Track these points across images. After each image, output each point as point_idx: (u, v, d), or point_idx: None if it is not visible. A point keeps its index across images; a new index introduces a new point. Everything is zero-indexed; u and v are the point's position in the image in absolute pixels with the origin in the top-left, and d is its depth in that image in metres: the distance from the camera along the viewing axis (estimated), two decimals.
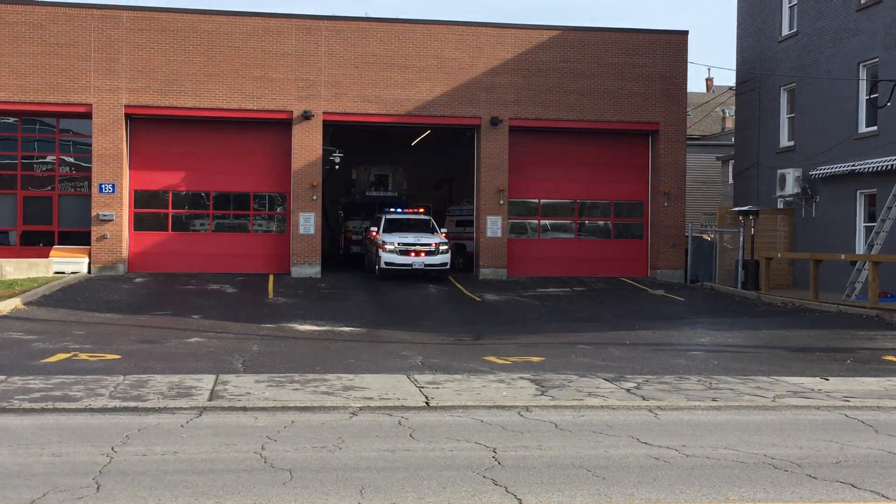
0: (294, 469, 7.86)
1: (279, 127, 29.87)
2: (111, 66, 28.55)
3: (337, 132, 33.42)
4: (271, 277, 28.30)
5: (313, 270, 29.48)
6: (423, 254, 27.97)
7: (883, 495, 7.23)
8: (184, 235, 30.02)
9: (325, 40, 29.61)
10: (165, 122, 29.53)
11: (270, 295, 25.10)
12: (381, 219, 30.06)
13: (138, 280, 27.23)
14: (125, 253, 28.99)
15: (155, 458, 8.21)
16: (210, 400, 10.92)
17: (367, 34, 29.95)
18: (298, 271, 29.38)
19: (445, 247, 28.59)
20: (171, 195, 29.89)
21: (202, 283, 26.68)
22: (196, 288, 25.91)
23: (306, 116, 29.38)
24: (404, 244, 28.03)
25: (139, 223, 29.62)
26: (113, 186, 28.68)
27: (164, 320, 20.15)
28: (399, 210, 31.24)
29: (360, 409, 10.65)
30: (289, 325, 19.81)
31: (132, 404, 10.58)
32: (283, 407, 10.64)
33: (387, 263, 27.84)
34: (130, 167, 29.35)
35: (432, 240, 28.60)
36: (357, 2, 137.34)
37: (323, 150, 30.27)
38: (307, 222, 29.60)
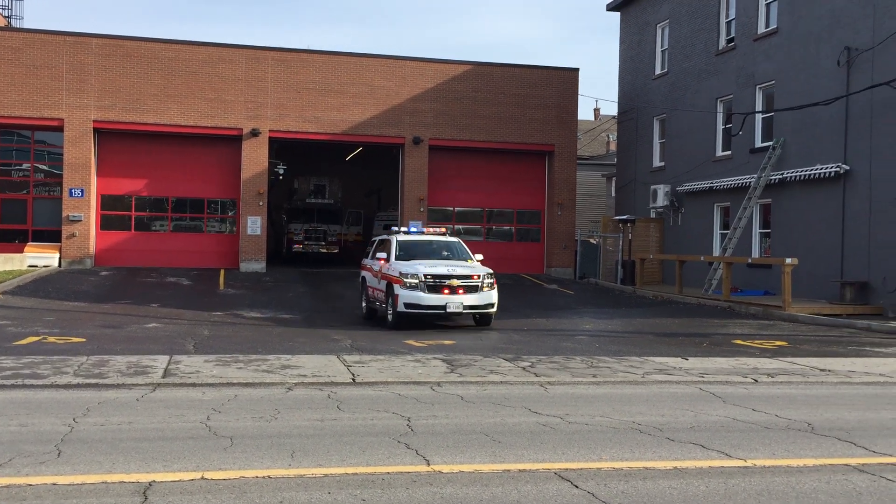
0: (234, 436, 7.70)
1: (230, 142, 29.31)
2: (81, 86, 27.65)
3: (281, 147, 33.00)
4: (222, 272, 27.72)
5: (259, 266, 29.01)
6: (460, 290, 17.07)
7: (726, 454, 7.43)
8: (145, 234, 29.24)
9: (271, 68, 29.18)
10: (130, 136, 28.71)
11: (221, 287, 24.60)
12: (389, 242, 18.82)
13: (104, 273, 26.39)
14: (92, 249, 28.11)
15: (112, 428, 7.96)
16: (163, 377, 10.65)
17: (307, 64, 29.61)
18: (246, 266, 28.88)
19: (492, 279, 17.69)
20: (134, 199, 29.09)
21: (161, 276, 26.00)
22: (155, 280, 25.23)
23: (254, 133, 28.91)
24: (435, 276, 17.02)
25: (105, 223, 28.73)
26: (81, 191, 27.78)
27: (126, 308, 19.59)
28: (414, 230, 19.64)
29: (296, 384, 10.51)
30: (237, 312, 19.46)
31: (93, 381, 10.25)
32: (227, 383, 10.43)
33: (407, 305, 16.90)
34: (98, 174, 28.46)
35: (474, 270, 17.53)
36: (300, 34, 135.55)
37: (269, 162, 29.83)
38: (254, 224, 29.15)
